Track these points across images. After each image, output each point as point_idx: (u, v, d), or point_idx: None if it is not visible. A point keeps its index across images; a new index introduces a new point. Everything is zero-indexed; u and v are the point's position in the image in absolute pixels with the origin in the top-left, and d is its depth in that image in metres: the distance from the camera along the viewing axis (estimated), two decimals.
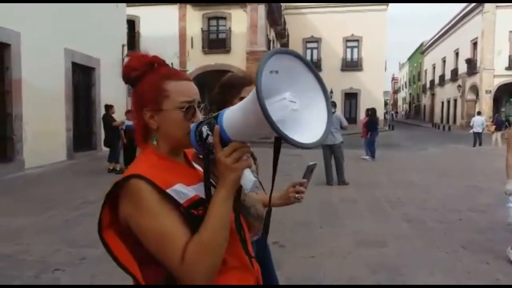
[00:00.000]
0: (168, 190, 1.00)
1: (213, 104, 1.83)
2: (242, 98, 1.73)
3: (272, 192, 1.10)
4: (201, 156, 1.07)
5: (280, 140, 0.95)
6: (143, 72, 1.11)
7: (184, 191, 1.03)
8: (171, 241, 0.97)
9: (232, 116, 0.96)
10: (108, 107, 10.14)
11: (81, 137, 12.52)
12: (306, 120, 0.93)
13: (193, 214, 1.01)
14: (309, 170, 1.71)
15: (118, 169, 9.72)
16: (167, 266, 0.99)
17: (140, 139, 1.14)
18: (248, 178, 1.01)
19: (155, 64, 1.13)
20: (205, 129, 1.00)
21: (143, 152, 1.13)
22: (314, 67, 0.96)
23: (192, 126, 1.05)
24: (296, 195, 1.68)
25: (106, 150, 10.58)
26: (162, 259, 0.99)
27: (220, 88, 1.82)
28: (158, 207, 0.99)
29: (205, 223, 0.98)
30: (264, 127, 0.84)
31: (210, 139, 0.99)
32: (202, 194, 1.04)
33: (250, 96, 0.89)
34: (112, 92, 13.26)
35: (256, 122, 0.86)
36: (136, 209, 0.99)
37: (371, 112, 12.62)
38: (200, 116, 1.10)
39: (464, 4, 33.33)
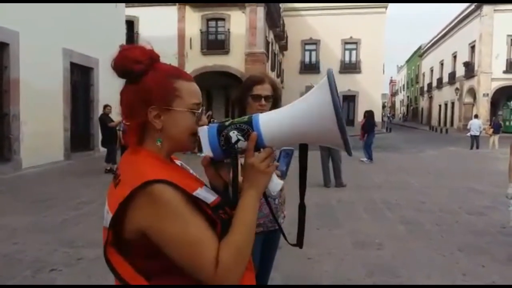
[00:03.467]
0: (194, 194, 0.96)
1: (234, 103, 2.14)
2: (253, 96, 2.00)
3: (304, 195, 1.13)
4: (221, 161, 1.08)
5: (307, 147, 1.06)
6: (147, 67, 1.02)
7: (205, 195, 0.99)
8: (204, 249, 0.92)
9: (277, 123, 0.99)
10: (105, 107, 10.13)
11: (78, 137, 12.50)
12: None
13: (221, 218, 0.99)
14: (284, 155, 1.68)
15: (115, 169, 9.69)
16: (196, 274, 0.94)
17: (135, 140, 1.04)
18: (276, 181, 1.05)
19: (155, 59, 1.06)
20: (234, 134, 1.00)
21: (138, 154, 1.03)
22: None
23: (208, 129, 1.03)
24: None
25: (103, 150, 10.57)
26: (192, 267, 0.93)
27: (238, 88, 2.12)
28: (188, 214, 0.93)
29: (238, 226, 0.97)
30: (325, 137, 0.96)
31: (241, 144, 1.00)
32: (212, 198, 1.02)
33: (313, 106, 0.94)
34: (111, 93, 13.18)
35: (321, 132, 0.94)
36: (163, 218, 0.92)
37: (368, 115, 12.67)
38: (205, 119, 1.09)
39: (462, 7, 33.46)
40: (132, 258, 0.97)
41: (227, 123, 1.02)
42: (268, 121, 0.99)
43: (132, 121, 1.04)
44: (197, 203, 0.96)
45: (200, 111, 1.06)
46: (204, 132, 1.02)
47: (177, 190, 0.93)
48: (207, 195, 1.00)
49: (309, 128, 0.95)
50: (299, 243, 1.19)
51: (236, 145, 1.00)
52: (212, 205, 0.98)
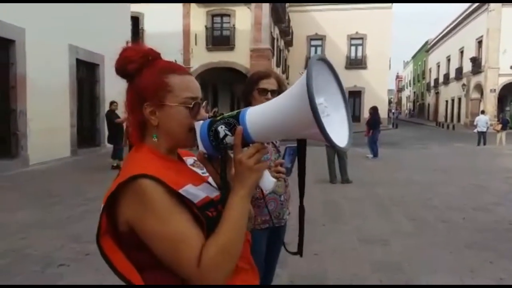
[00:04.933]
0: (180, 191, 0.94)
1: (240, 96, 2.21)
2: (259, 90, 2.06)
3: (303, 194, 1.12)
4: (216, 157, 1.04)
5: (305, 142, 1.02)
6: (141, 65, 1.04)
7: (195, 192, 0.98)
8: (185, 245, 0.92)
9: (261, 116, 0.94)
10: (111, 104, 10.17)
11: (85, 133, 12.58)
12: (334, 125, 0.93)
13: (208, 216, 0.96)
14: (290, 153, 1.74)
15: (121, 166, 9.74)
16: (178, 271, 0.94)
17: (137, 137, 1.07)
18: (269, 179, 1.01)
19: (150, 57, 1.06)
20: (222, 129, 0.96)
21: (139, 151, 1.05)
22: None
23: (201, 124, 1.00)
24: (276, 175, 1.75)
25: (110, 146, 10.62)
26: (174, 264, 0.93)
27: (245, 82, 2.17)
28: (170, 209, 0.93)
29: (224, 225, 0.94)
30: (306, 129, 0.87)
31: (229, 139, 0.96)
32: (209, 195, 1.01)
33: (291, 97, 0.89)
34: (116, 89, 13.19)
35: (300, 124, 0.88)
36: (145, 212, 0.92)
37: (373, 111, 12.66)
38: (204, 113, 1.06)
39: (469, 3, 33.15)
40: (125, 249, 1.00)
41: (218, 118, 0.99)
42: (255, 115, 0.95)
43: (132, 119, 1.07)
44: (184, 201, 0.95)
45: (193, 104, 1.03)
46: (198, 127, 1.00)
47: (161, 185, 0.92)
48: (198, 193, 0.98)
49: (291, 122, 0.90)
50: (300, 251, 1.19)
51: (224, 141, 0.97)
52: (199, 204, 0.96)
